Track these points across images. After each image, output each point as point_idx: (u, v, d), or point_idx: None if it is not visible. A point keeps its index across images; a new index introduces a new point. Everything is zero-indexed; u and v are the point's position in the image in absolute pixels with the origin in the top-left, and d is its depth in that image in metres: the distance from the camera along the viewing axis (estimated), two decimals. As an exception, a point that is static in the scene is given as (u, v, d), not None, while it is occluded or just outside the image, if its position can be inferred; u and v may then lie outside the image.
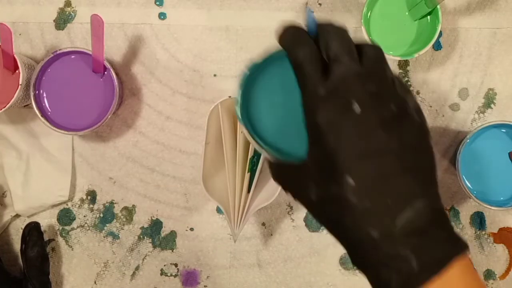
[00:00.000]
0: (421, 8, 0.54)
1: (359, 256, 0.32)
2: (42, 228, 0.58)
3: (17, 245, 0.60)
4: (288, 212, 0.61)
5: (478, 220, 0.60)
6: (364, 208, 0.30)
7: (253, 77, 0.34)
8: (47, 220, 0.60)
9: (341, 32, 0.33)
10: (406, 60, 0.61)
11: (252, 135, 0.34)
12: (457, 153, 0.55)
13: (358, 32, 0.61)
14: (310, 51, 0.32)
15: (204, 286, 0.60)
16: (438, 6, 0.53)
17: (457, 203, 0.60)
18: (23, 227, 0.59)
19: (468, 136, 0.55)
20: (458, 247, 0.31)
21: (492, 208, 0.55)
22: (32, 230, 0.56)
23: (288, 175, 0.35)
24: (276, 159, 0.34)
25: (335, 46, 0.32)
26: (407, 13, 0.56)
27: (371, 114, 0.31)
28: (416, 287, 0.29)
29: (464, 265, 0.30)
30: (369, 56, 0.32)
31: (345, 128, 0.30)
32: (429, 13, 0.55)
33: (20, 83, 0.54)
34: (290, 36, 0.34)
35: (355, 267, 0.34)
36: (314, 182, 0.32)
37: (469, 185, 0.56)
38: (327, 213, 0.33)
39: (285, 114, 0.34)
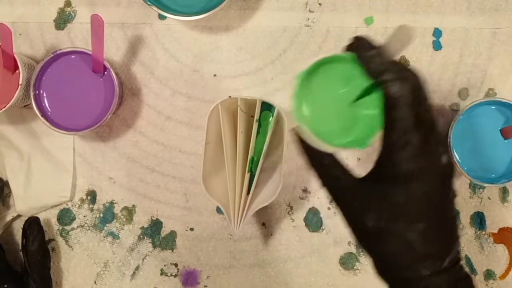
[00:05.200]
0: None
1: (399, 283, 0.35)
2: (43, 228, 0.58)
3: (18, 246, 0.60)
4: (288, 212, 0.61)
5: (478, 220, 0.60)
6: (426, 252, 0.33)
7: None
8: (47, 220, 0.60)
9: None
10: (406, 59, 0.61)
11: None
12: (449, 129, 0.55)
13: (358, 32, 0.61)
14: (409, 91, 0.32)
15: (204, 286, 0.60)
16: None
17: (457, 203, 0.60)
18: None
19: (460, 113, 0.55)
20: (468, 279, 0.35)
21: (484, 184, 0.55)
22: (32, 224, 0.57)
23: (347, 190, 0.35)
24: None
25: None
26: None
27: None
28: None
29: None
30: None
31: (428, 182, 0.32)
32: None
33: (20, 83, 0.54)
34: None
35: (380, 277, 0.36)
36: (377, 212, 0.33)
37: (460, 161, 0.56)
38: (379, 243, 0.34)
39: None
